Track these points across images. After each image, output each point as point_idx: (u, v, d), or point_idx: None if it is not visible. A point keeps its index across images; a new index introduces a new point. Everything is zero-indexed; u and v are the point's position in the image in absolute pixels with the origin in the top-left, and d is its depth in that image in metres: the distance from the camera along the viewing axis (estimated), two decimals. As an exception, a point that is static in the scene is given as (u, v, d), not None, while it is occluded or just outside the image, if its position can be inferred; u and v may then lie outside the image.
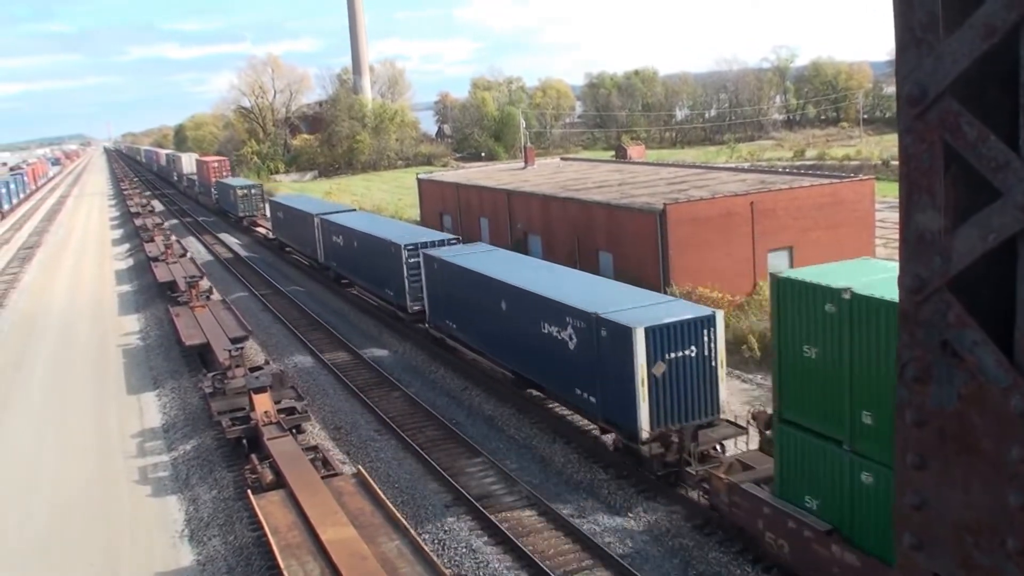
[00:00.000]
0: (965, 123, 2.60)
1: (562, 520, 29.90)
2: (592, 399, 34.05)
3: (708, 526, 28.86)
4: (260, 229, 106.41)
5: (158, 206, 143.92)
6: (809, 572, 23.96)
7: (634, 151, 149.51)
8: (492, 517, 30.30)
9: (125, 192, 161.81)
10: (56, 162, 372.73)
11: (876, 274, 22.97)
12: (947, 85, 2.62)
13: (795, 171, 79.41)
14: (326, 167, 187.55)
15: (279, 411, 35.93)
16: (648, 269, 51.95)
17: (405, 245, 52.79)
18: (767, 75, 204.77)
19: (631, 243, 55.39)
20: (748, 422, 31.02)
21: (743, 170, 77.83)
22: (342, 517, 25.99)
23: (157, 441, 40.48)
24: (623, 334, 31.20)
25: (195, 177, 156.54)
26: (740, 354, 43.49)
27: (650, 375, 30.82)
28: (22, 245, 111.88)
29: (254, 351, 50.57)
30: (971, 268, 2.67)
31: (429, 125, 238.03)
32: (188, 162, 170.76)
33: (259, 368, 41.14)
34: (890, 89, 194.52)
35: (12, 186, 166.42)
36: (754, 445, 30.39)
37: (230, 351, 41.67)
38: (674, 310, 32.92)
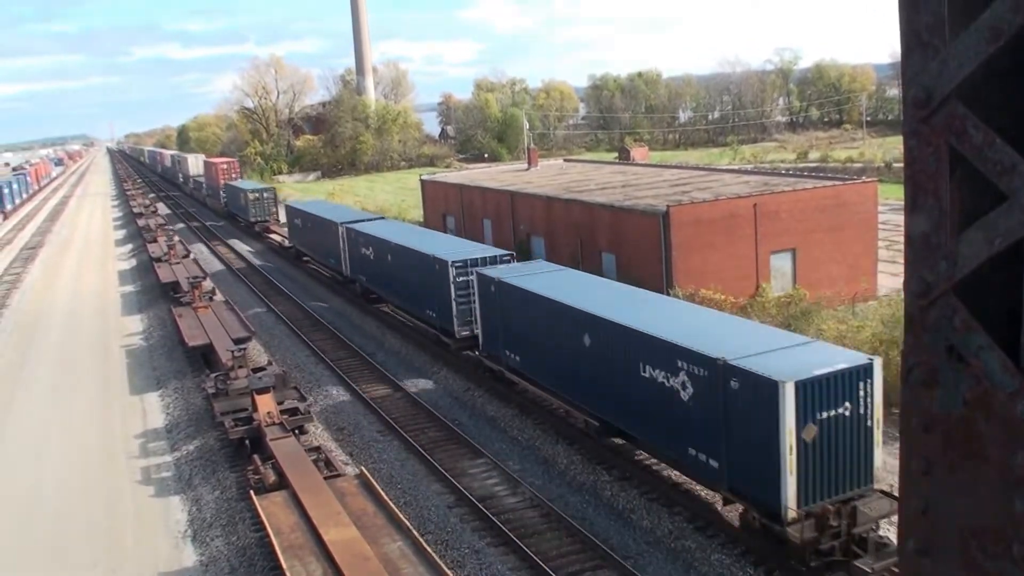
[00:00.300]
0: (971, 126, 2.59)
1: (565, 521, 29.89)
2: (712, 463, 27.58)
3: (710, 527, 28.86)
4: (274, 236, 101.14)
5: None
6: None
7: (637, 153, 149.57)
8: (495, 518, 30.31)
9: (128, 193, 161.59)
10: (59, 162, 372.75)
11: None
12: (953, 88, 2.62)
13: (798, 173, 79.47)
14: (329, 168, 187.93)
15: (282, 412, 35.95)
16: (651, 271, 52.00)
17: (453, 262, 46.19)
18: (770, 77, 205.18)
19: (634, 245, 55.43)
20: None
21: (746, 172, 77.86)
22: (344, 518, 25.99)
23: (160, 441, 40.51)
24: (765, 388, 25.07)
25: (202, 179, 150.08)
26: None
27: (799, 440, 24.82)
28: (25, 245, 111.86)
29: (257, 352, 50.55)
30: (977, 272, 2.66)
31: (432, 126, 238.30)
32: (195, 163, 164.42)
33: (262, 369, 41.12)
34: (893, 91, 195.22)
35: (15, 186, 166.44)
36: None
37: (233, 352, 41.71)
38: (822, 356, 26.70)
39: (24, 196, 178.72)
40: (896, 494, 24.20)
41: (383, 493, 28.11)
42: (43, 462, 39.03)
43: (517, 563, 27.76)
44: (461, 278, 45.99)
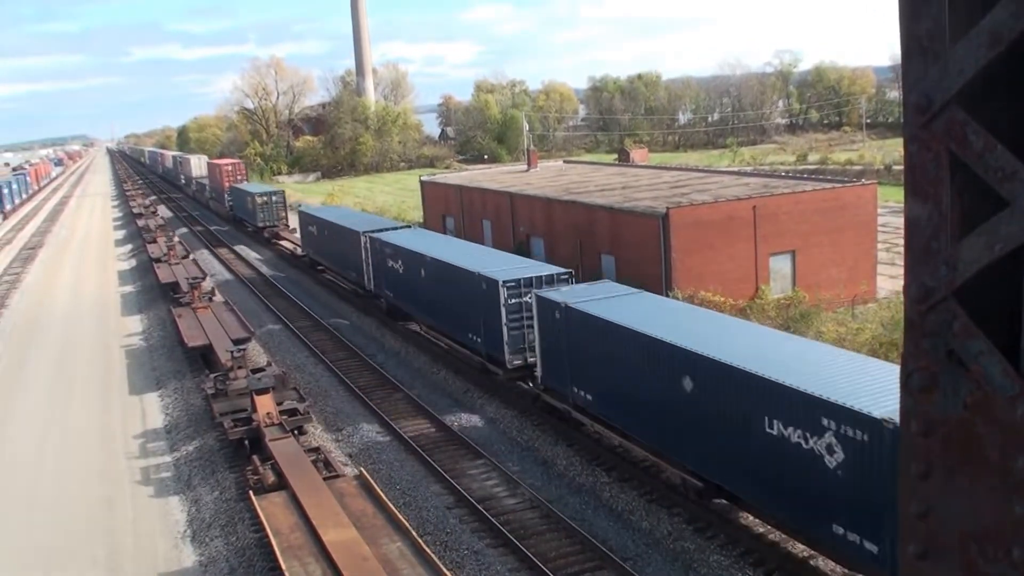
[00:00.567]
0: (971, 132, 2.60)
1: (564, 523, 29.90)
2: (869, 546, 22.16)
3: (710, 529, 28.87)
4: (284, 243, 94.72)
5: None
6: None
7: (637, 154, 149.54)
8: (494, 520, 30.32)
9: (128, 193, 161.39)
10: (59, 162, 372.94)
11: None
12: (953, 94, 2.63)
13: (798, 175, 79.45)
14: (329, 169, 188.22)
15: (281, 412, 35.96)
16: (650, 272, 52.02)
17: (505, 282, 40.16)
18: (770, 79, 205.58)
19: (634, 246, 55.47)
20: None
21: (746, 174, 77.87)
22: (344, 518, 26.00)
23: (159, 442, 40.51)
24: None
25: (205, 181, 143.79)
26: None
27: None
28: (24, 245, 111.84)
29: (256, 352, 50.54)
30: (977, 277, 2.67)
31: (432, 127, 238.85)
32: (197, 165, 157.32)
33: (261, 369, 41.12)
34: (893, 94, 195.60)
35: (15, 186, 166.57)
36: None
37: (232, 352, 41.72)
38: None
39: (24, 196, 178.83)
40: None
41: (382, 494, 28.12)
42: (42, 462, 39.03)
43: (516, 564, 27.77)
44: (513, 300, 40.18)
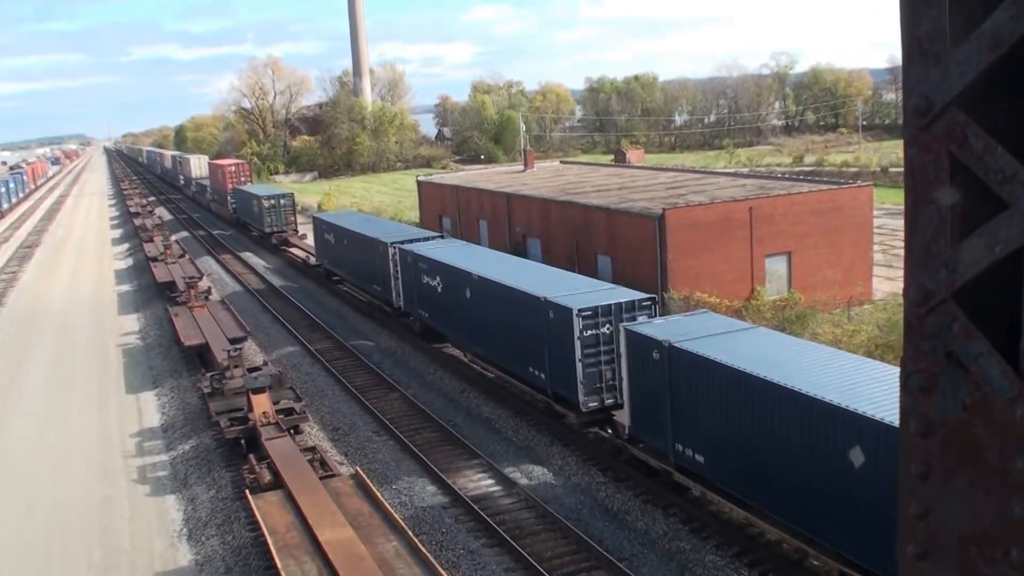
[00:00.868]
0: (972, 134, 2.61)
1: (560, 522, 29.89)
2: None
3: (705, 529, 28.89)
4: (294, 250, 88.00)
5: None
6: None
7: (633, 155, 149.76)
8: (490, 519, 30.30)
9: (125, 192, 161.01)
10: (56, 161, 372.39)
11: None
12: (953, 96, 2.63)
13: (794, 177, 79.48)
14: (325, 168, 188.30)
15: (277, 412, 35.94)
16: (646, 273, 52.04)
17: (580, 311, 34.14)
18: (767, 81, 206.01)
19: (630, 247, 55.48)
20: None
21: (742, 175, 77.89)
22: (340, 518, 26.00)
23: (156, 441, 40.50)
24: None
25: (206, 182, 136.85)
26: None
27: None
28: (21, 244, 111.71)
29: (253, 351, 50.51)
30: (976, 279, 2.68)
31: (429, 128, 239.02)
32: (198, 165, 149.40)
33: (257, 369, 41.12)
34: (889, 96, 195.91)
35: (11, 185, 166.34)
36: None
37: (229, 351, 41.70)
38: None
39: (21, 195, 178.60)
40: None
41: (378, 493, 28.13)
42: (39, 461, 39.02)
43: (512, 564, 27.77)
44: (590, 332, 34.20)
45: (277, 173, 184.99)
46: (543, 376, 37.28)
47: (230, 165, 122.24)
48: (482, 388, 44.14)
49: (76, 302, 72.53)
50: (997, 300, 2.76)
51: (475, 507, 31.38)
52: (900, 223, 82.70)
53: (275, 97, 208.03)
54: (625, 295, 35.85)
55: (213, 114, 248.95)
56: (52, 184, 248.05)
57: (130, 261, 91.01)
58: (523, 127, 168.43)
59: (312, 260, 78.18)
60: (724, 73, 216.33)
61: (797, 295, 51.83)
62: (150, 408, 44.86)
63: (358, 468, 31.72)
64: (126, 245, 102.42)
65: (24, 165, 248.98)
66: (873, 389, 23.31)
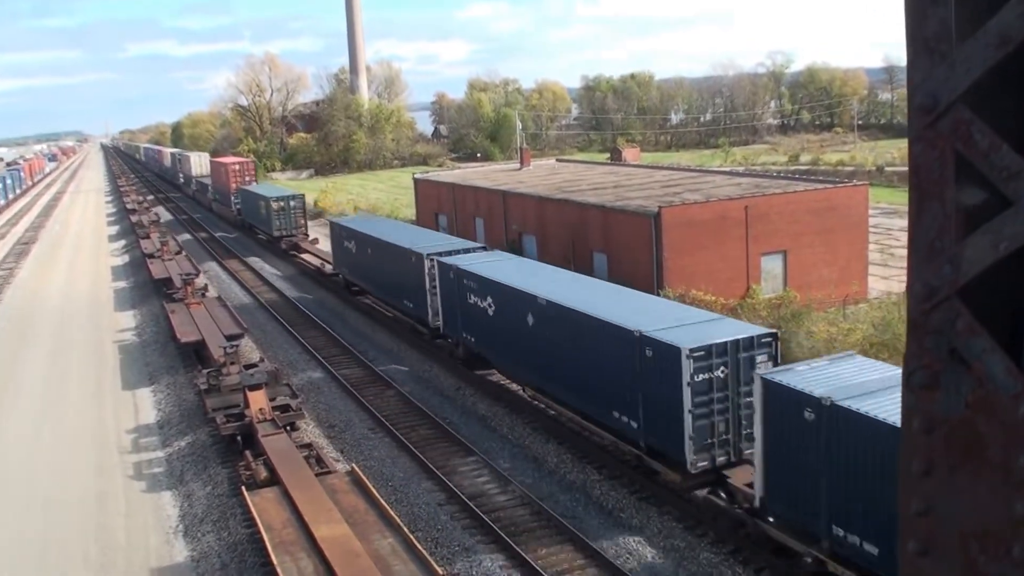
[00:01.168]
0: (977, 132, 2.61)
1: (555, 520, 29.88)
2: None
3: (700, 527, 28.90)
4: (307, 256, 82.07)
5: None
6: None
7: (629, 154, 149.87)
8: (485, 516, 30.30)
9: (122, 189, 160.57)
10: (53, 158, 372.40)
11: None
12: (959, 94, 2.64)
13: (789, 176, 79.46)
14: (322, 166, 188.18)
15: (274, 408, 35.95)
16: (642, 271, 52.07)
17: (692, 351, 28.14)
18: (762, 80, 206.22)
19: (626, 245, 55.48)
20: None
21: (738, 174, 77.88)
22: (336, 514, 25.99)
23: (152, 437, 40.48)
24: None
25: (207, 181, 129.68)
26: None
27: None
28: (18, 240, 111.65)
29: (249, 348, 50.47)
30: (980, 276, 2.68)
31: (426, 125, 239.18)
32: (199, 163, 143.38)
33: (254, 365, 41.09)
34: (885, 96, 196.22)
35: (8, 181, 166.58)
36: None
37: (225, 348, 41.67)
38: None
39: (18, 191, 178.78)
40: None
41: (374, 490, 28.13)
42: (35, 457, 38.99)
43: (507, 561, 27.77)
44: (701, 375, 28.34)
45: (274, 170, 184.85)
46: (634, 425, 30.97)
47: (234, 163, 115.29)
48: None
49: (72, 298, 72.48)
50: (1001, 297, 2.76)
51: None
52: (896, 222, 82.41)
53: (272, 94, 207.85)
54: (740, 329, 30.39)
55: (210, 111, 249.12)
56: (49, 181, 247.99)
57: (126, 258, 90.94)
58: (519, 125, 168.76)
59: (328, 268, 71.71)
60: (720, 72, 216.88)
61: (793, 293, 51.84)
62: (146, 404, 44.84)
63: (354, 465, 31.72)
64: (123, 242, 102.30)
65: (21, 161, 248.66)
66: None
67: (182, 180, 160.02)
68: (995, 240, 2.60)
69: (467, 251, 49.19)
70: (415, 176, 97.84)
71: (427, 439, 38.24)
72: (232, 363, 40.11)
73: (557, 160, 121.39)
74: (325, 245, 77.83)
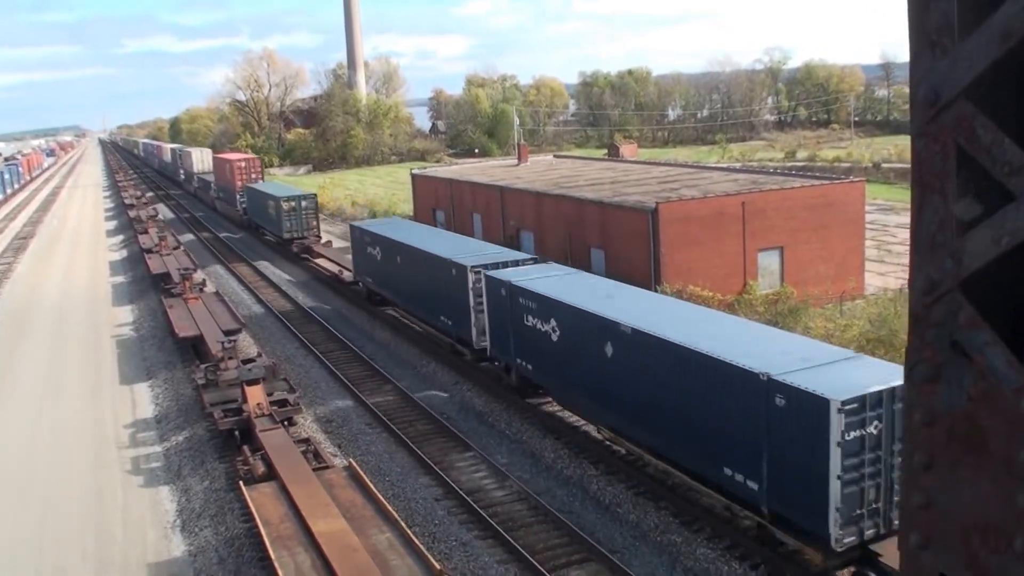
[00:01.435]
0: (979, 126, 2.62)
1: (552, 515, 29.89)
2: None
3: (697, 522, 28.90)
4: (320, 261, 75.73)
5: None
6: None
7: (626, 150, 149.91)
8: (483, 511, 30.30)
9: (120, 184, 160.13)
10: (51, 153, 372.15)
11: None
12: (962, 88, 2.65)
13: (786, 172, 79.56)
14: (320, 161, 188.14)
15: (271, 403, 35.94)
16: (639, 267, 52.08)
17: (844, 404, 22.46)
18: (759, 77, 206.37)
19: (623, 241, 55.48)
20: None
21: (734, 170, 78.08)
22: (333, 509, 25.98)
23: (150, 432, 40.45)
24: None
25: (210, 178, 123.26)
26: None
27: None
28: (16, 235, 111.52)
29: (247, 343, 50.42)
30: (982, 270, 2.70)
31: (423, 121, 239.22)
32: (200, 159, 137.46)
33: (252, 360, 41.07)
34: (882, 92, 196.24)
35: (7, 176, 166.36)
36: None
37: (223, 343, 41.64)
38: None
39: (16, 186, 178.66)
40: None
41: (371, 485, 28.12)
42: (33, 452, 38.95)
43: (504, 556, 27.77)
44: (853, 433, 22.73)
45: (271, 166, 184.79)
46: (753, 486, 25.50)
47: (239, 160, 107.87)
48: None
49: (71, 293, 72.42)
50: (1003, 291, 2.77)
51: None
52: (892, 219, 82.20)
53: (270, 90, 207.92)
54: (891, 373, 24.11)
55: (208, 106, 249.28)
56: (47, 175, 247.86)
57: (125, 253, 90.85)
58: (517, 121, 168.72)
59: (346, 275, 66.05)
60: (717, 68, 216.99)
61: (789, 289, 51.85)
62: (144, 399, 44.81)
63: (351, 460, 31.71)
64: (120, 237, 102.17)
65: (20, 156, 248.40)
66: None
67: (183, 176, 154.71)
68: (997, 234, 2.61)
69: (516, 263, 43.23)
70: (413, 172, 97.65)
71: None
72: (230, 358, 40.06)
73: (554, 156, 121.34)
74: (338, 246, 76.22)
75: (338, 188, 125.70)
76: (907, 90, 2.87)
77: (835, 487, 22.68)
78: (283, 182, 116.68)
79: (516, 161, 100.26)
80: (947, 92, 2.68)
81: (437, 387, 44.34)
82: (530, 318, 37.00)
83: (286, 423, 35.17)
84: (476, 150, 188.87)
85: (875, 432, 23.02)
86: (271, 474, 30.03)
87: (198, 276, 60.43)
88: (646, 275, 50.74)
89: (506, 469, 33.95)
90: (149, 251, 73.01)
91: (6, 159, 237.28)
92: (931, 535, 2.96)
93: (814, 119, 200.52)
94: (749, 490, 25.62)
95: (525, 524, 29.90)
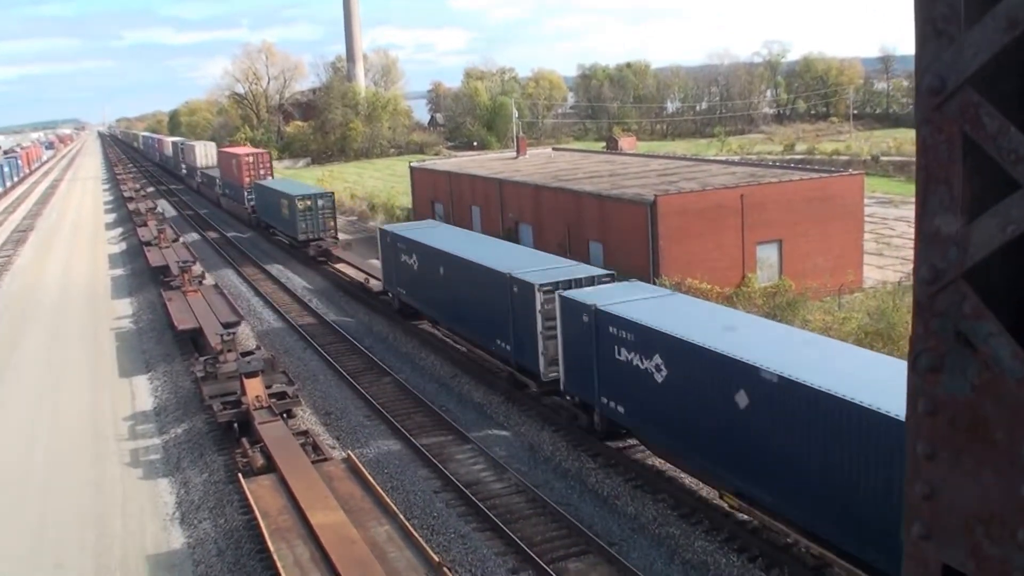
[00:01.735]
0: (985, 115, 2.61)
1: (550, 507, 29.90)
2: None
3: (695, 515, 28.92)
4: (341, 267, 69.20)
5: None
6: None
7: (625, 142, 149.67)
8: (481, 504, 30.30)
9: (119, 177, 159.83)
10: (50, 146, 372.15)
11: None
12: (967, 77, 2.64)
13: (785, 165, 79.52)
14: (319, 154, 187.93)
15: (270, 396, 35.96)
16: (638, 260, 52.10)
17: None
18: (758, 70, 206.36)
19: (622, 233, 55.52)
20: None
21: (733, 163, 78.01)
22: (332, 501, 26.03)
23: (149, 424, 40.48)
24: None
25: (215, 173, 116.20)
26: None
27: None
28: (15, 228, 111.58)
29: (246, 336, 50.42)
30: (987, 259, 2.69)
31: (422, 114, 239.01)
32: (204, 153, 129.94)
33: (250, 353, 41.10)
34: (880, 85, 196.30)
35: (6, 169, 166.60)
36: None
37: (222, 335, 41.66)
38: None
39: (15, 179, 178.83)
40: None
41: (370, 477, 28.15)
42: (32, 445, 38.99)
43: (503, 548, 27.79)
44: None
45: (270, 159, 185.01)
46: None
47: (247, 155, 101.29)
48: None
49: (70, 286, 72.42)
50: (1008, 280, 2.77)
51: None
52: (891, 212, 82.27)
53: (269, 82, 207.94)
54: None
55: (207, 99, 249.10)
56: (47, 168, 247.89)
57: (124, 245, 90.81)
58: (516, 114, 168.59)
59: (373, 283, 59.83)
60: (716, 61, 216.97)
61: (788, 282, 51.85)
62: (143, 392, 44.84)
63: (350, 452, 31.72)
64: (120, 230, 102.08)
65: (19, 149, 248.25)
66: None
67: (184, 171, 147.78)
68: (1002, 223, 2.60)
69: (592, 280, 37.05)
70: (412, 164, 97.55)
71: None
72: (229, 350, 40.10)
73: (553, 149, 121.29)
74: (359, 253, 71.82)
75: (337, 181, 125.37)
76: (906, 83, 2.88)
77: None
78: (288, 177, 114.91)
79: (515, 154, 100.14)
80: (952, 80, 2.68)
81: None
82: (624, 351, 30.80)
83: (285, 415, 35.19)
84: (475, 143, 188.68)
85: None
86: (270, 466, 30.09)
87: (197, 269, 60.41)
88: (645, 268, 50.75)
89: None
90: (148, 244, 73.01)
91: (5, 152, 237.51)
92: (934, 525, 2.95)
93: (813, 112, 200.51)
94: None
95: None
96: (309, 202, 74.17)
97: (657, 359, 29.05)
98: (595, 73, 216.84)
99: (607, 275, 37.80)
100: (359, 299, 60.50)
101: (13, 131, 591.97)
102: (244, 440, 33.11)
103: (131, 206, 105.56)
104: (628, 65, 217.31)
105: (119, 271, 77.09)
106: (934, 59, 2.71)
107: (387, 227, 57.94)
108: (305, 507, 25.76)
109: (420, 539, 24.11)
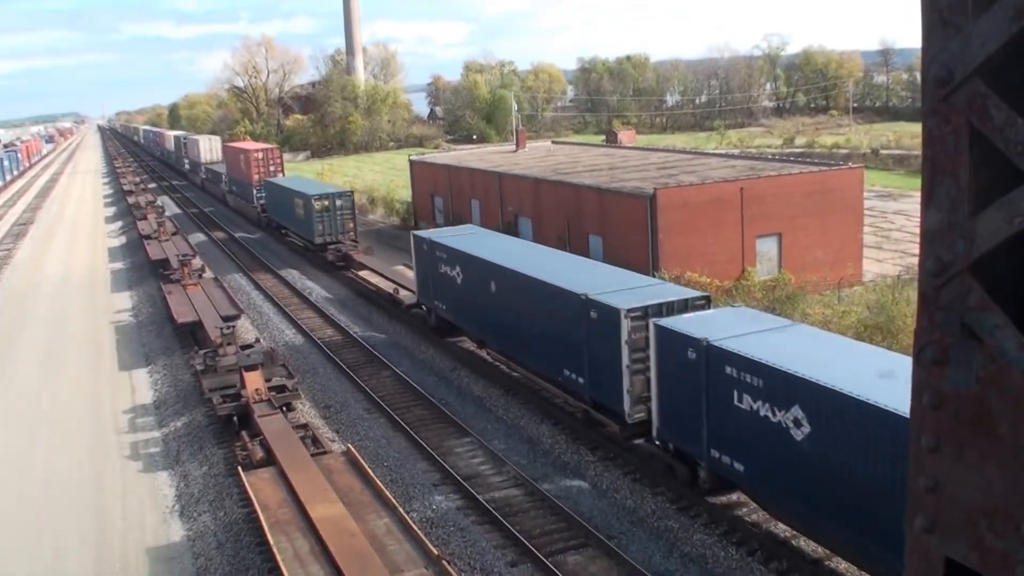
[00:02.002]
0: (992, 106, 2.60)
1: (549, 500, 29.89)
2: None
3: (693, 508, 28.91)
4: (365, 274, 61.69)
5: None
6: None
7: (625, 136, 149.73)
8: (480, 497, 30.30)
9: (119, 171, 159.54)
10: (50, 139, 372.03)
11: None
12: (974, 67, 2.63)
13: (784, 158, 79.51)
14: (318, 147, 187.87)
15: (270, 389, 35.97)
16: (637, 253, 52.00)
17: None
18: (758, 63, 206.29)
19: (621, 227, 55.43)
20: None
21: (733, 156, 78.08)
22: (331, 494, 26.03)
23: (148, 417, 40.49)
24: None
25: (220, 169, 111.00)
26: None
27: None
28: (16, 221, 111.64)
29: (245, 329, 50.40)
30: (993, 251, 2.68)
31: (421, 107, 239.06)
32: (209, 148, 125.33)
33: (250, 346, 41.11)
34: (880, 78, 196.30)
35: (6, 163, 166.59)
36: None
37: (221, 329, 41.65)
38: None
39: (15, 173, 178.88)
40: None
41: (369, 470, 28.15)
42: (32, 438, 39.01)
43: (502, 541, 27.79)
44: None
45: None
46: None
47: (256, 151, 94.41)
48: None
49: (69, 279, 72.48)
50: (1013, 273, 2.76)
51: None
52: (890, 205, 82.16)
53: (268, 76, 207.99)
54: None
55: (207, 92, 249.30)
56: (46, 162, 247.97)
57: (123, 239, 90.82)
58: (515, 107, 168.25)
59: (402, 293, 53.49)
60: (715, 54, 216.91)
61: (787, 276, 51.80)
62: (142, 385, 44.85)
63: (349, 445, 31.71)
64: (119, 223, 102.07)
65: (19, 143, 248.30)
66: None
67: (187, 167, 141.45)
68: (1009, 215, 2.59)
69: (686, 303, 31.48)
70: (411, 158, 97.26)
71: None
72: (228, 344, 40.10)
73: (553, 142, 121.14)
74: (381, 258, 66.42)
75: (336, 174, 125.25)
76: (906, 76, 2.86)
77: None
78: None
79: (514, 147, 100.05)
80: (960, 71, 2.67)
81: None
82: (747, 399, 25.35)
83: (284, 408, 35.20)
84: (474, 136, 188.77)
85: None
86: (270, 459, 30.08)
87: (196, 262, 60.34)
88: (644, 261, 50.69)
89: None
90: (148, 237, 72.99)
91: (5, 146, 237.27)
92: (937, 518, 2.95)
93: (812, 105, 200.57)
94: None
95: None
96: (327, 202, 69.41)
97: (797, 411, 23.67)
98: (595, 66, 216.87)
99: (702, 298, 32.38)
100: (382, 308, 55.65)
101: (13, 125, 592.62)
102: (244, 433, 33.08)
103: (131, 200, 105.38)
104: (628, 58, 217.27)
105: (119, 264, 77.13)
106: (941, 49, 2.70)
107: (424, 233, 50.80)
108: (305, 500, 25.77)
109: (419, 532, 24.11)
